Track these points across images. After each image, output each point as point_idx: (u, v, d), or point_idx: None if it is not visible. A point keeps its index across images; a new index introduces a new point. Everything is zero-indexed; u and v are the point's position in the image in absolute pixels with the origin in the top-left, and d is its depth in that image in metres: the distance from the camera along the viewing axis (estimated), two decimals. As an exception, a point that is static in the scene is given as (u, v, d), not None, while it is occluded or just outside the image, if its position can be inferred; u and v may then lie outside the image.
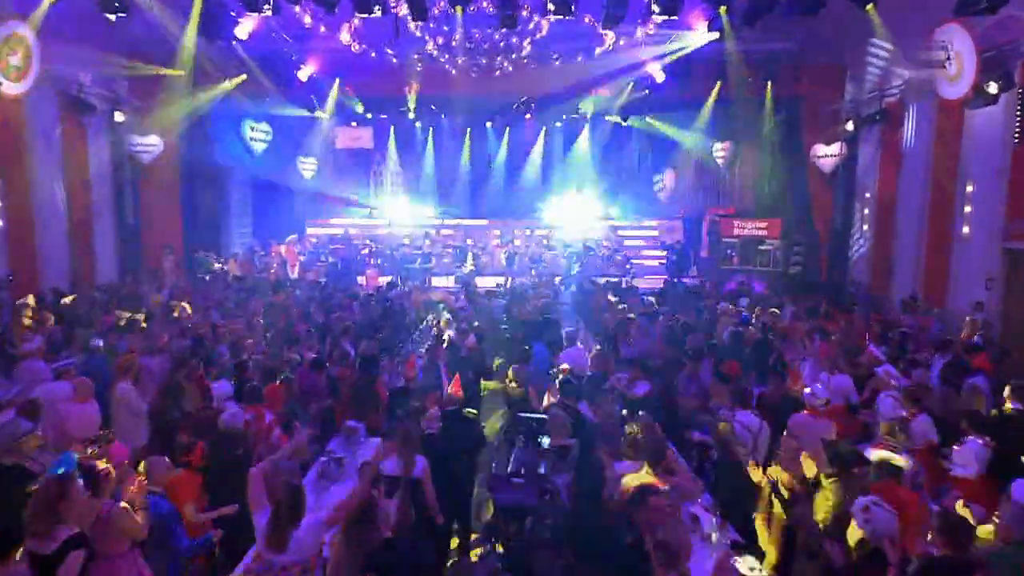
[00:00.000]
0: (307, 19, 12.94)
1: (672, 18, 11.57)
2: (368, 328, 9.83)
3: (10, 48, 9.95)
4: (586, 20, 12.62)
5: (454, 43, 13.99)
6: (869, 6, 10.41)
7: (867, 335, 9.42)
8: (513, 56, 14.58)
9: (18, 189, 11.79)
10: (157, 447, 5.38)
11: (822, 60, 14.88)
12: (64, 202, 13.23)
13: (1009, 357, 8.13)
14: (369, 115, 19.20)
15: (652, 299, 12.45)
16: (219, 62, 14.57)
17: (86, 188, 13.89)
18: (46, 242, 12.50)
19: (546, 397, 6.80)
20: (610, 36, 13.41)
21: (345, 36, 13.77)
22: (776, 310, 10.71)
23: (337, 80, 16.36)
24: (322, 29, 13.47)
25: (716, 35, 13.06)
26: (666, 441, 5.27)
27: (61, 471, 3.89)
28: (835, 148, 14.81)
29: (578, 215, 21.09)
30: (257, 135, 17.41)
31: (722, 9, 11.78)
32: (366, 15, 11.51)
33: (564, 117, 19.62)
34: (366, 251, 18.46)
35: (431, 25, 12.84)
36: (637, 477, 4.67)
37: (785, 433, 5.74)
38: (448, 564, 5.60)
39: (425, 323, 11.98)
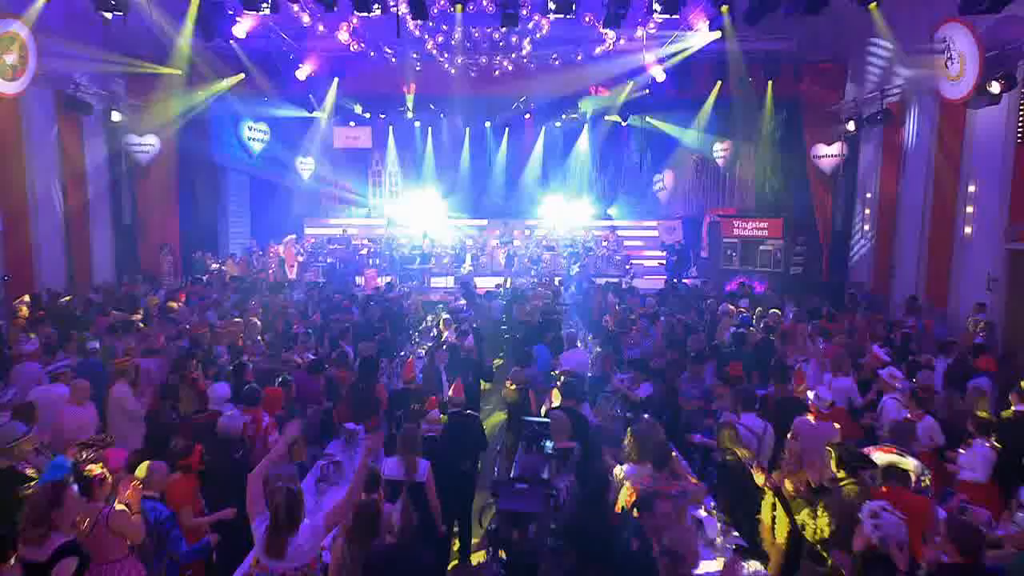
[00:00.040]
0: (305, 18, 12.87)
1: (673, 17, 11.51)
2: (367, 329, 9.76)
3: (5, 47, 9.86)
4: (586, 20, 12.56)
5: (453, 42, 13.92)
6: (872, 4, 10.34)
7: (868, 336, 9.39)
8: (513, 56, 14.53)
9: (14, 189, 11.70)
10: (152, 450, 5.30)
11: (823, 59, 14.83)
12: (60, 202, 13.15)
13: (1014, 358, 8.08)
14: (367, 115, 19.14)
15: (652, 299, 12.40)
16: (217, 61, 14.49)
17: (83, 188, 13.78)
18: (42, 242, 12.40)
19: (548, 400, 6.73)
20: (610, 35, 13.35)
21: (344, 35, 13.70)
22: (777, 311, 10.66)
23: (336, 79, 16.28)
24: (320, 28, 13.40)
25: (718, 34, 13.00)
26: (669, 443, 5.22)
27: (54, 477, 3.82)
28: (836, 148, 14.77)
29: (577, 215, 21.06)
30: (255, 135, 17.33)
31: (724, 8, 11.71)
32: (365, 14, 11.44)
33: (563, 117, 19.58)
34: (365, 251, 18.40)
35: (430, 24, 12.77)
36: (639, 479, 4.62)
37: (789, 436, 5.69)
38: (449, 568, 5.55)
39: (424, 324, 11.92)
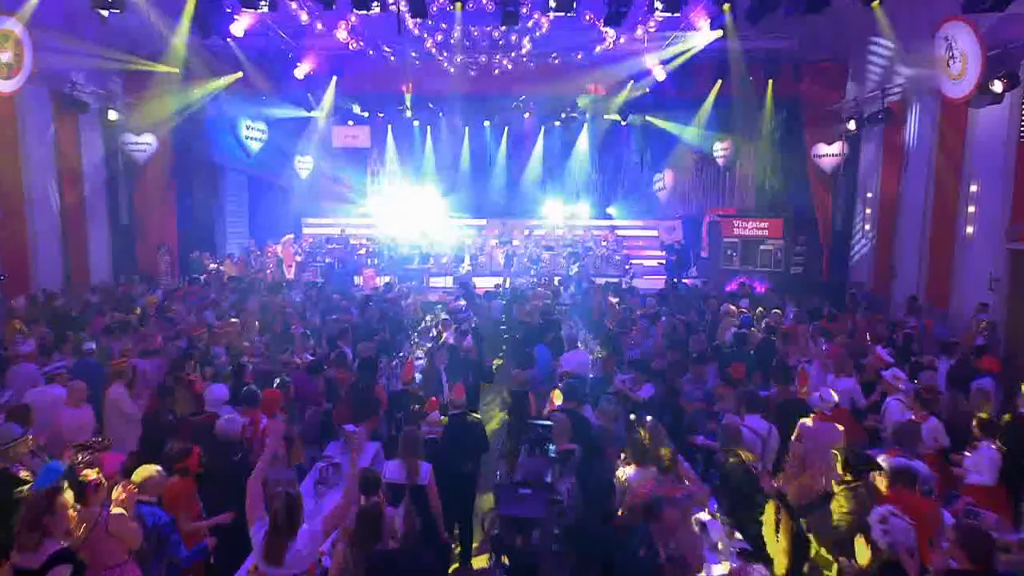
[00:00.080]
0: (304, 16, 12.78)
1: (675, 15, 11.45)
2: (366, 330, 9.70)
3: (0, 45, 9.77)
4: (587, 18, 12.49)
5: (453, 41, 13.85)
6: (875, 2, 10.28)
7: (869, 336, 9.34)
8: (512, 54, 14.46)
9: (10, 188, 11.62)
10: (148, 452, 5.24)
11: (823, 59, 14.78)
12: (57, 201, 13.06)
13: (1016, 359, 8.04)
14: (366, 114, 19.06)
15: (652, 300, 12.35)
16: (214, 60, 14.41)
17: (79, 187, 13.70)
18: (39, 242, 12.33)
19: (549, 402, 6.67)
20: (610, 34, 13.29)
21: (342, 34, 13.62)
22: (778, 311, 10.62)
23: (334, 78, 16.21)
24: (319, 27, 13.31)
25: (719, 33, 12.93)
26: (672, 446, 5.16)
27: (48, 482, 3.75)
28: (836, 147, 14.72)
29: (576, 215, 21.01)
30: (253, 133, 17.26)
31: (726, 6, 11.65)
32: (364, 12, 11.36)
33: (563, 116, 19.52)
34: (363, 251, 18.32)
35: (429, 22, 12.70)
36: (644, 483, 4.57)
37: (793, 438, 5.64)
38: (451, 571, 5.49)
39: (423, 325, 11.85)
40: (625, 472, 4.76)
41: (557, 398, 6.50)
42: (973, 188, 10.60)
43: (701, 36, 13.46)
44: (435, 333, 10.29)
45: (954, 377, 7.35)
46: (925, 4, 10.48)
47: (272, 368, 7.75)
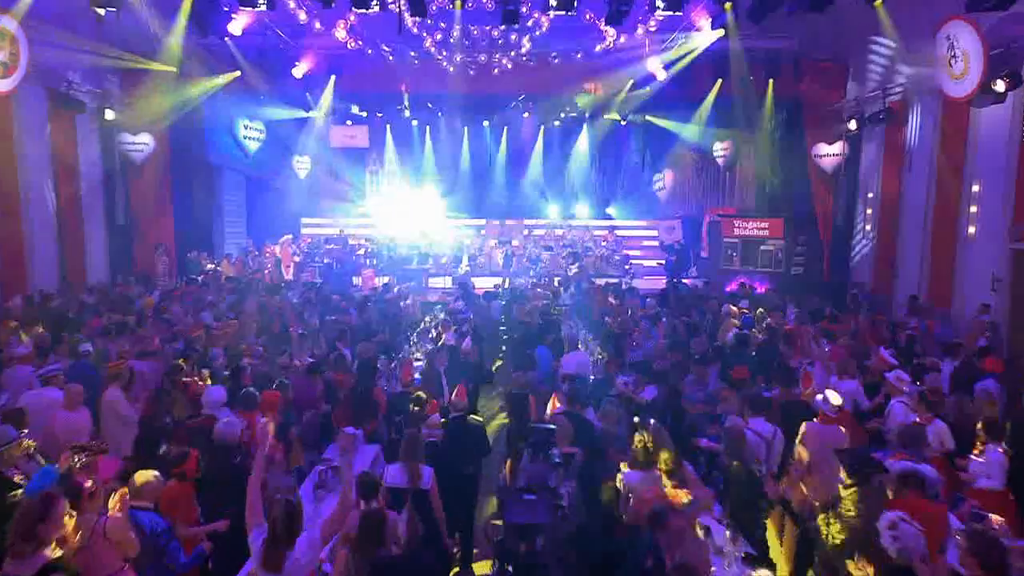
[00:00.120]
0: (302, 15, 12.72)
1: (676, 14, 11.39)
2: (365, 331, 9.63)
3: (-4, 43, 9.70)
4: (587, 17, 12.44)
5: (452, 40, 13.78)
6: (878, 2, 10.24)
7: (871, 337, 9.29)
8: (512, 53, 14.39)
9: (6, 188, 11.54)
10: (143, 456, 5.16)
11: (824, 58, 14.74)
12: (53, 201, 12.98)
13: (1019, 360, 7.99)
14: (365, 113, 18.99)
15: (652, 300, 12.29)
16: (211, 59, 14.33)
17: (76, 187, 13.62)
18: (35, 242, 12.25)
19: (551, 403, 6.60)
20: (611, 33, 13.23)
21: (341, 33, 13.55)
22: (779, 312, 10.56)
23: (332, 77, 16.13)
24: (317, 26, 13.25)
25: (720, 32, 12.88)
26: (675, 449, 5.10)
27: (42, 487, 3.68)
28: (837, 147, 14.69)
29: (576, 215, 20.95)
30: (251, 133, 17.18)
31: (727, 5, 11.60)
32: (363, 11, 11.30)
33: (563, 116, 19.46)
34: (362, 251, 18.25)
35: (428, 21, 12.64)
36: (648, 488, 4.51)
37: (798, 441, 5.58)
38: (452, 575, 5.44)
39: (422, 325, 11.78)
40: (628, 475, 4.69)
41: (556, 402, 6.43)
42: (975, 188, 10.56)
43: (702, 37, 13.41)
44: (434, 334, 10.22)
45: (958, 379, 7.31)
46: (927, 3, 10.43)
47: (271, 370, 7.67)
